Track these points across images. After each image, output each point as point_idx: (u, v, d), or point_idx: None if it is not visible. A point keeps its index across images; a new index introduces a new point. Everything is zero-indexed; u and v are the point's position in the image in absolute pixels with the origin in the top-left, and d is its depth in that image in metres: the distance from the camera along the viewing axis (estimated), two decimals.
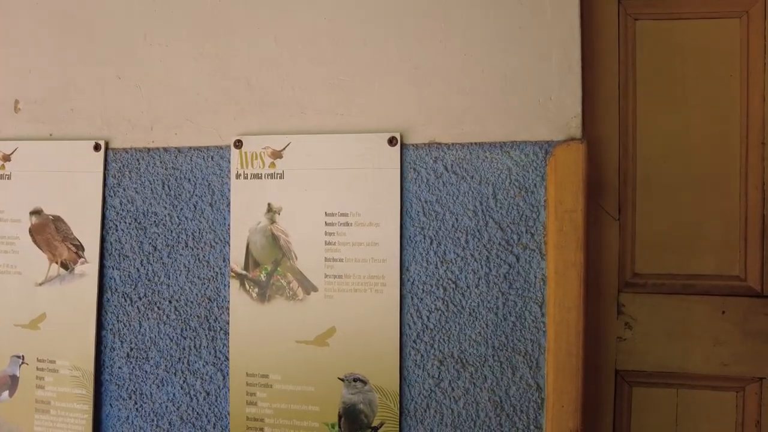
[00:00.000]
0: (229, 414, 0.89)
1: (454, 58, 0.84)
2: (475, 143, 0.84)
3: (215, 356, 0.90)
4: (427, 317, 0.84)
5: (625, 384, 0.98)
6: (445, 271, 0.84)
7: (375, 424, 0.85)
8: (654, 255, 0.98)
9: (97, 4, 0.95)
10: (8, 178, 0.98)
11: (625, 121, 0.99)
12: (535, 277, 0.82)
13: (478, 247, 0.83)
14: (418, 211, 0.85)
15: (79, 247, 0.94)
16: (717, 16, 0.95)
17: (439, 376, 0.84)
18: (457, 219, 0.84)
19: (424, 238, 0.85)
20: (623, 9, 0.98)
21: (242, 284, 0.88)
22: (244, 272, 0.88)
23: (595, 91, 0.97)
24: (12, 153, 0.98)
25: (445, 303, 0.84)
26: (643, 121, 0.98)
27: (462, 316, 0.84)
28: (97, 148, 0.94)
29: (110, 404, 0.94)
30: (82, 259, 0.94)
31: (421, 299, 0.85)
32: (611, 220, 0.98)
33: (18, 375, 0.96)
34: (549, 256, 0.82)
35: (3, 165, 0.98)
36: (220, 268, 0.90)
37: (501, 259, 0.83)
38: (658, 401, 0.97)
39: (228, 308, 0.89)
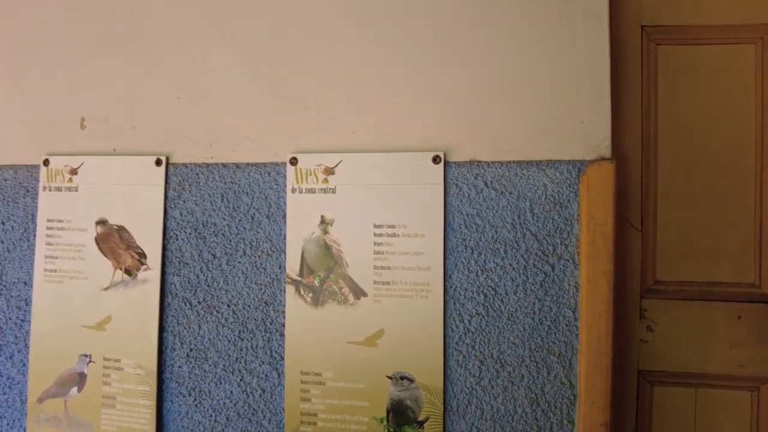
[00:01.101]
0: (283, 409, 0.96)
1: (494, 83, 0.92)
2: (513, 161, 0.91)
3: (271, 356, 0.98)
4: (469, 321, 0.92)
5: (646, 383, 1.06)
6: (485, 279, 0.91)
7: (421, 418, 0.92)
8: (674, 263, 1.05)
9: (159, 28, 1.03)
10: (75, 190, 1.06)
11: (647, 140, 1.06)
12: (569, 284, 0.90)
13: (516, 257, 0.91)
14: (460, 224, 0.92)
15: (142, 255, 1.02)
16: (734, 42, 1.02)
17: (479, 374, 0.91)
18: (496, 231, 0.91)
19: (466, 249, 0.92)
20: (646, 35, 1.06)
21: (297, 290, 0.96)
22: (299, 278, 0.96)
23: (620, 111, 1.05)
24: (79, 167, 1.06)
25: (486, 308, 0.91)
26: (663, 139, 1.06)
27: (501, 320, 0.91)
28: (158, 163, 1.02)
29: (171, 400, 1.01)
30: (145, 266, 1.02)
31: (463, 304, 0.92)
32: (634, 230, 1.05)
33: (86, 372, 1.03)
34: (581, 265, 0.89)
35: (70, 178, 1.06)
36: (276, 275, 0.98)
37: (537, 268, 0.90)
38: (678, 399, 1.04)
39: (283, 311, 0.97)
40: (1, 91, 1.10)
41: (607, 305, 0.89)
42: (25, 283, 1.08)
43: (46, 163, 1.07)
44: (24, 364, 1.07)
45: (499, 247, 0.91)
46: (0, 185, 1.10)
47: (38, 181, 1.08)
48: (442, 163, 0.92)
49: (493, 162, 0.92)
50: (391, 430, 0.93)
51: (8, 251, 1.09)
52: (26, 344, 1.07)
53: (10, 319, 1.09)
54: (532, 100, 0.91)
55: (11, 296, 1.09)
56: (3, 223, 1.10)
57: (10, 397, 1.08)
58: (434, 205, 0.92)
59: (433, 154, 0.92)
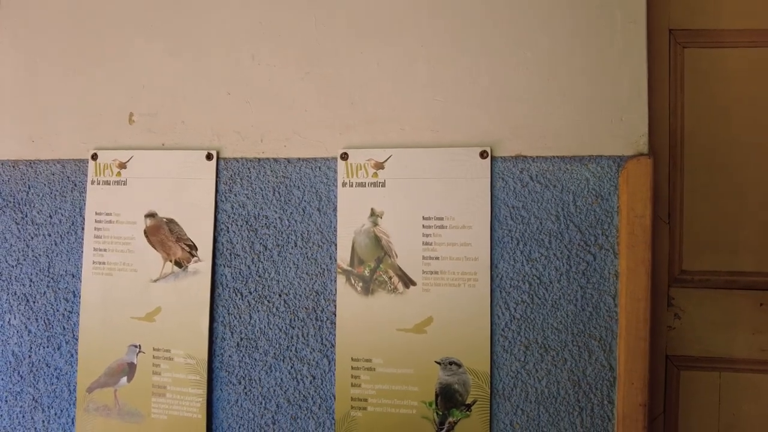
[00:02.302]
0: (334, 395, 1.00)
1: (538, 81, 0.97)
2: (557, 156, 0.96)
3: (321, 344, 1.01)
4: (514, 308, 0.96)
5: (673, 368, 1.12)
6: (530, 268, 0.96)
7: (468, 401, 0.96)
8: (700, 254, 1.11)
9: (210, 25, 1.06)
10: (124, 184, 1.08)
11: (675, 138, 1.12)
12: (609, 273, 0.95)
13: (559, 247, 0.95)
14: (506, 216, 0.97)
15: (192, 247, 1.04)
16: (758, 45, 1.09)
17: (524, 359, 0.96)
18: (541, 223, 0.96)
19: (512, 240, 0.97)
20: (674, 38, 1.12)
21: (348, 279, 0.99)
22: (349, 269, 0.99)
23: (649, 111, 1.10)
24: (127, 161, 1.08)
25: (530, 296, 0.96)
26: (690, 137, 1.12)
27: (545, 307, 0.96)
28: (209, 157, 1.05)
29: (221, 389, 1.04)
30: (195, 258, 1.04)
31: (509, 293, 0.96)
32: (662, 223, 1.11)
33: (135, 362, 1.05)
34: (621, 254, 0.94)
35: (119, 172, 1.08)
36: (327, 265, 1.01)
37: (580, 258, 0.95)
38: (704, 383, 1.10)
39: (334, 300, 1.00)
40: (49, 85, 1.12)
41: (646, 292, 0.94)
42: (73, 276, 1.10)
43: (94, 157, 1.09)
44: (72, 355, 1.09)
45: (544, 238, 0.96)
46: (47, 179, 1.12)
47: (86, 175, 1.10)
48: (489, 157, 0.97)
49: (537, 157, 0.97)
50: (440, 413, 0.97)
51: (55, 244, 1.11)
52: (74, 335, 1.09)
53: (58, 310, 1.10)
54: (574, 98, 0.96)
55: (59, 288, 1.10)
56: (50, 217, 1.11)
57: (58, 387, 1.10)
58: (481, 198, 0.97)
59: (480, 149, 0.97)
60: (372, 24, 1.01)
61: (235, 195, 1.05)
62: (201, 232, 1.05)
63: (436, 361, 0.97)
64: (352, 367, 0.99)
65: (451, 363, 0.97)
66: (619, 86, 0.95)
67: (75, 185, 1.11)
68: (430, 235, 0.98)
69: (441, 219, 0.97)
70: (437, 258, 0.97)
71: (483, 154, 0.97)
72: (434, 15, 1.00)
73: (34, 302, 1.11)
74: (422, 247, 0.98)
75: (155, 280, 1.06)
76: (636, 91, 0.95)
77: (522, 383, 0.96)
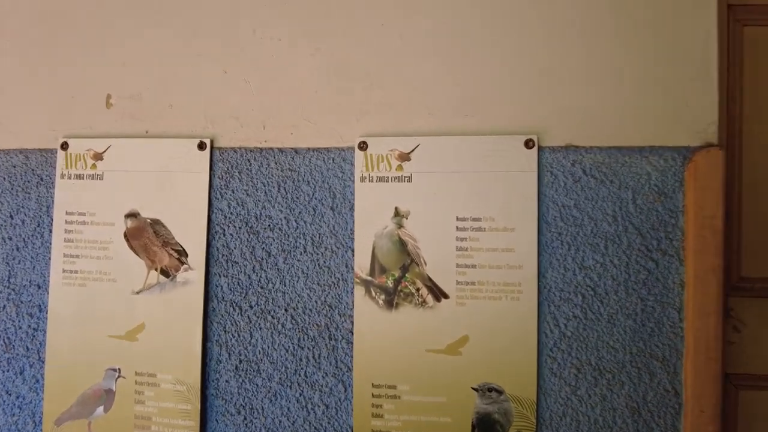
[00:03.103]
0: (351, 428, 0.85)
1: (592, 61, 0.83)
2: (614, 147, 0.82)
3: (336, 367, 0.86)
4: (565, 325, 0.83)
5: (732, 387, 0.99)
6: (583, 277, 0.83)
7: None
8: (761, 258, 0.99)
9: None
10: (100, 179, 0.91)
11: (732, 126, 0.99)
12: (673, 282, 0.82)
13: (617, 252, 0.82)
14: (555, 216, 0.83)
15: (182, 253, 0.89)
16: None
17: (576, 383, 0.82)
18: (596, 224, 0.83)
19: (562, 244, 0.83)
20: (732, 15, 0.99)
21: (368, 291, 0.85)
22: (369, 278, 0.85)
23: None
24: (104, 151, 0.91)
25: (583, 310, 0.83)
26: (748, 125, 1.00)
27: (600, 323, 0.82)
28: (201, 146, 0.89)
29: (216, 420, 0.88)
30: (185, 266, 0.88)
31: (558, 306, 0.83)
32: None
33: (114, 389, 0.89)
34: (687, 261, 0.81)
35: (94, 164, 0.91)
36: (342, 275, 0.86)
37: (640, 265, 0.82)
38: (765, 404, 0.98)
39: (351, 316, 0.86)
40: (8, 61, 0.95)
41: (716, 305, 0.81)
42: (39, 287, 0.93)
43: (64, 146, 0.93)
44: (38, 381, 0.93)
45: (599, 242, 0.83)
46: (7, 172, 0.95)
47: (54, 167, 0.93)
48: (535, 147, 0.83)
49: (591, 147, 0.83)
50: None
51: (17, 249, 0.94)
52: (40, 357, 0.93)
53: (20, 328, 0.94)
54: (632, 80, 0.82)
55: (21, 302, 0.94)
56: (11, 217, 0.94)
57: (21, 418, 0.93)
58: (527, 195, 0.83)
59: (525, 137, 0.83)
60: None
61: (233, 191, 0.89)
62: (192, 236, 0.89)
63: (473, 388, 0.83)
64: (373, 395, 0.85)
65: (490, 389, 0.83)
66: (685, 67, 0.82)
67: (41, 180, 0.94)
68: (466, 239, 0.83)
69: (478, 220, 0.83)
70: (474, 266, 0.83)
71: (528, 144, 0.83)
72: None
73: None
74: (456, 253, 0.83)
75: (138, 292, 0.89)
76: (705, 72, 0.82)
77: (573, 411, 0.83)
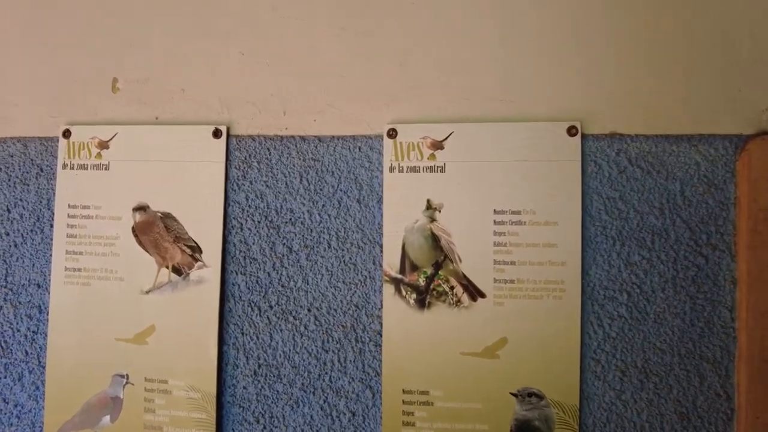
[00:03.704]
0: None
1: (637, 44, 0.77)
2: (661, 135, 0.77)
3: (363, 371, 0.80)
4: (609, 325, 0.77)
5: None
6: (629, 274, 0.77)
7: None
8: None
9: None
10: (105, 169, 0.85)
11: None
12: (725, 279, 0.77)
13: (664, 248, 0.77)
14: (599, 209, 0.78)
15: (195, 249, 0.82)
16: None
17: (621, 387, 0.77)
18: (642, 217, 0.77)
19: (606, 239, 0.78)
20: None
21: (397, 289, 0.79)
22: (399, 276, 0.79)
23: None
24: (110, 139, 0.84)
25: (629, 309, 0.77)
26: None
27: (646, 323, 0.77)
28: (216, 134, 0.82)
29: (233, 429, 0.82)
30: (199, 263, 0.82)
31: (602, 306, 0.78)
32: None
33: (121, 397, 0.83)
34: (740, 257, 0.76)
35: (99, 153, 0.84)
36: (370, 272, 0.80)
37: (689, 261, 0.77)
38: None
39: (379, 316, 0.80)
40: (4, 43, 0.88)
41: None
42: (39, 286, 0.86)
43: (66, 134, 0.86)
44: (38, 388, 0.86)
45: (646, 237, 0.77)
46: (5, 162, 0.87)
47: (56, 157, 0.86)
48: (578, 135, 0.77)
49: (637, 136, 0.78)
50: None
51: (15, 246, 0.87)
52: (40, 362, 0.86)
53: (19, 330, 0.87)
54: (681, 65, 0.77)
55: (19, 302, 0.87)
56: (8, 211, 0.87)
57: (19, 429, 0.86)
58: (570, 186, 0.77)
59: (567, 124, 0.77)
60: None
61: (251, 183, 0.83)
62: (207, 230, 0.82)
63: (511, 393, 0.77)
64: (404, 401, 0.79)
65: (530, 394, 0.78)
66: (736, 49, 0.77)
67: (41, 170, 0.87)
68: (505, 233, 0.78)
69: (518, 213, 0.78)
70: (513, 263, 0.78)
71: (571, 131, 0.77)
72: None
73: None
74: (493, 248, 0.78)
75: (147, 292, 0.83)
76: (757, 54, 0.77)
77: (617, 417, 0.78)
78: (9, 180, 0.87)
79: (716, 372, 0.77)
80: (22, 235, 0.87)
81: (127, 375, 0.83)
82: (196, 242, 0.82)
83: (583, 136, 0.77)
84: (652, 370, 0.77)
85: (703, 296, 0.77)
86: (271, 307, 0.82)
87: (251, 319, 0.82)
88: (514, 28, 0.79)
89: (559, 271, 0.77)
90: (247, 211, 0.82)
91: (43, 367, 0.85)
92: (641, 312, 0.77)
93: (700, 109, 0.77)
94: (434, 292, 0.78)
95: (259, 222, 0.82)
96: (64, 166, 0.85)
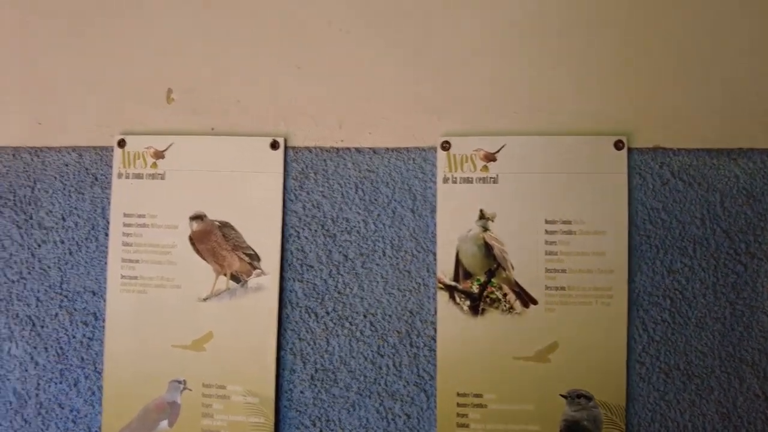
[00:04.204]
0: None
1: (680, 61, 0.81)
2: (702, 149, 0.81)
3: (418, 375, 0.83)
4: (653, 329, 0.81)
5: None
6: (671, 281, 0.81)
7: None
8: None
9: None
10: (161, 178, 0.86)
11: None
12: (763, 286, 0.81)
13: (705, 256, 0.81)
14: (644, 219, 0.81)
15: (254, 257, 0.84)
16: None
17: (664, 389, 0.81)
18: (683, 227, 0.81)
19: (650, 248, 0.81)
20: None
21: (451, 296, 0.82)
22: (453, 283, 0.82)
23: None
24: (166, 149, 0.86)
25: (672, 314, 0.81)
26: None
27: (688, 327, 0.81)
28: (274, 146, 0.84)
29: None
30: (258, 271, 0.84)
31: (647, 311, 0.81)
32: None
33: (179, 402, 0.84)
34: None
35: (155, 163, 0.86)
36: (424, 279, 0.83)
37: (729, 269, 0.81)
38: None
39: (433, 322, 0.83)
40: (59, 52, 0.89)
41: None
42: (94, 293, 0.88)
43: (121, 144, 0.87)
44: (93, 393, 0.87)
45: (687, 246, 0.81)
46: (59, 172, 0.89)
47: (111, 166, 0.87)
48: (625, 148, 0.81)
49: (679, 150, 0.82)
50: None
51: (70, 253, 0.88)
52: (96, 368, 0.87)
53: (74, 337, 0.88)
54: (721, 81, 0.81)
55: (75, 309, 0.88)
56: (63, 219, 0.88)
57: None
58: (617, 197, 0.81)
59: (615, 138, 0.81)
60: None
61: (308, 193, 0.85)
62: (265, 239, 0.84)
63: (561, 395, 0.81)
64: (458, 404, 0.82)
65: (579, 396, 0.81)
66: None
67: (96, 179, 0.88)
68: (556, 242, 0.81)
69: (569, 223, 0.81)
70: (563, 271, 0.81)
71: (618, 145, 0.81)
72: None
73: (42, 327, 0.88)
74: (545, 257, 0.81)
75: (205, 299, 0.85)
76: None
77: (661, 417, 0.82)
78: (64, 189, 0.88)
79: (755, 374, 0.81)
80: (77, 243, 0.88)
81: (184, 381, 0.84)
82: (254, 250, 0.84)
83: (629, 150, 0.81)
84: (694, 372, 0.81)
85: (742, 302, 0.81)
86: (327, 313, 0.84)
87: (308, 324, 0.84)
88: (562, 45, 0.82)
89: (606, 278, 0.80)
90: (304, 220, 0.84)
91: (99, 373, 0.87)
92: (683, 317, 0.81)
93: (740, 124, 0.82)
94: (487, 299, 0.82)
95: (315, 231, 0.84)
96: (120, 176, 0.86)
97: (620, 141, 0.81)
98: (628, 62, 0.82)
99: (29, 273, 0.88)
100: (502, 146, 0.82)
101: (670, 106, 0.82)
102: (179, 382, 0.85)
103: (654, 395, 0.81)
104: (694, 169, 0.81)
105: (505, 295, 0.82)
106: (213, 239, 0.85)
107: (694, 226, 0.81)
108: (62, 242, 0.88)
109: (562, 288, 0.81)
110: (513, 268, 0.81)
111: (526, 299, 0.81)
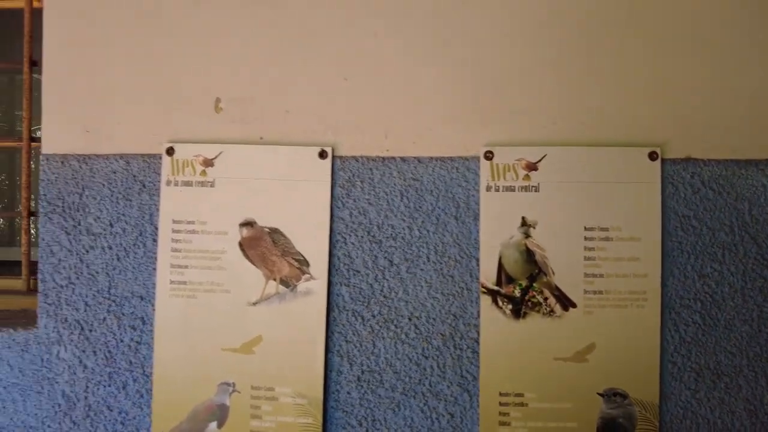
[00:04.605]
0: None
1: (711, 76, 0.86)
2: (730, 160, 0.86)
3: (461, 376, 0.86)
4: (685, 331, 0.86)
5: None
6: (702, 285, 0.86)
7: None
8: None
9: None
10: (211, 186, 0.88)
11: None
12: None
13: (734, 261, 0.85)
14: (676, 226, 0.86)
15: (303, 263, 0.87)
16: None
17: (695, 387, 0.85)
18: (713, 234, 0.86)
19: (682, 253, 0.86)
20: None
21: (494, 300, 0.85)
22: (496, 288, 0.85)
23: None
24: (215, 157, 0.88)
25: (702, 316, 0.86)
26: None
27: (718, 328, 0.86)
28: (322, 155, 0.87)
29: None
30: (307, 275, 0.86)
31: (679, 313, 0.86)
32: None
33: (228, 404, 0.86)
34: None
35: (204, 171, 0.88)
36: (467, 284, 0.86)
37: (756, 273, 0.85)
38: None
39: (476, 325, 0.86)
40: (108, 61, 0.90)
41: None
42: (142, 298, 0.89)
43: (170, 152, 0.89)
44: (141, 396, 0.89)
45: (717, 251, 0.86)
46: (107, 179, 0.90)
47: (159, 174, 0.89)
48: (659, 159, 0.85)
49: (709, 160, 0.86)
50: None
51: (118, 259, 0.90)
52: (144, 371, 0.89)
53: (122, 341, 0.89)
54: (749, 95, 0.86)
55: (122, 313, 0.90)
56: (111, 225, 0.90)
57: None
58: (651, 205, 0.85)
59: (649, 149, 0.85)
60: (514, 5, 0.87)
61: (355, 200, 0.88)
62: (313, 245, 0.87)
63: (598, 393, 0.85)
64: (500, 403, 0.85)
65: (615, 394, 0.85)
66: None
67: (143, 186, 0.90)
68: (594, 248, 0.85)
69: (606, 230, 0.85)
70: (601, 275, 0.85)
71: (652, 156, 0.85)
72: None
73: (90, 331, 0.90)
74: (584, 262, 0.85)
75: (254, 303, 0.87)
76: None
77: (692, 414, 0.86)
78: (112, 195, 0.90)
79: None
80: (125, 249, 0.89)
81: (233, 383, 0.87)
82: (303, 256, 0.86)
83: (662, 161, 0.85)
84: (724, 372, 0.86)
85: None
86: (373, 316, 0.87)
87: (355, 327, 0.87)
88: (598, 59, 0.86)
89: (641, 282, 0.85)
90: (351, 227, 0.87)
91: (147, 376, 0.88)
92: (713, 319, 0.86)
93: (765, 135, 0.86)
94: (529, 303, 0.85)
95: (362, 237, 0.87)
96: (168, 183, 0.88)
97: (654, 152, 0.85)
98: (661, 78, 0.86)
99: (77, 278, 0.90)
100: (543, 156, 0.85)
101: (701, 118, 0.86)
102: (228, 385, 0.87)
103: (686, 393, 0.86)
104: (723, 179, 0.86)
105: (545, 298, 0.85)
106: (263, 245, 0.87)
107: (724, 233, 0.86)
108: (110, 248, 0.90)
109: (600, 292, 0.85)
110: (553, 273, 0.85)
111: (566, 303, 0.85)
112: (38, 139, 1.03)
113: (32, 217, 1.02)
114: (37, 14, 0.95)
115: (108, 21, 0.90)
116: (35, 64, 1.05)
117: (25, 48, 1.04)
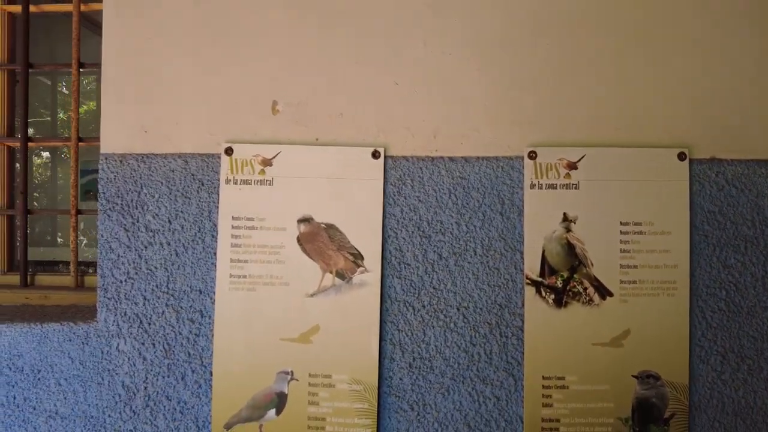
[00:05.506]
0: (521, 418, 0.91)
1: (734, 81, 0.93)
2: (752, 160, 0.93)
3: (507, 362, 0.92)
4: (711, 317, 0.93)
5: None
6: (726, 275, 0.93)
7: (666, 415, 0.92)
8: None
9: (374, 4, 0.93)
10: (269, 184, 0.92)
11: None
12: None
13: (755, 253, 0.93)
14: (703, 221, 0.93)
15: (358, 256, 0.91)
16: None
17: (721, 369, 0.93)
18: (736, 228, 0.93)
19: (708, 245, 0.93)
20: None
21: (538, 291, 0.91)
22: (540, 279, 0.91)
23: None
24: (273, 157, 0.92)
25: (727, 303, 0.93)
26: None
27: (741, 314, 0.93)
28: (375, 155, 0.92)
29: (389, 417, 0.92)
30: (361, 268, 0.91)
31: (705, 301, 0.93)
32: None
33: (286, 392, 0.91)
34: None
35: (263, 170, 0.92)
36: (511, 275, 0.92)
37: None
38: None
39: (520, 314, 0.92)
40: (167, 62, 0.94)
41: None
42: (200, 292, 0.93)
43: (228, 152, 0.93)
44: (200, 386, 0.92)
45: (740, 244, 0.93)
46: (165, 177, 0.93)
47: (217, 172, 0.93)
48: (687, 160, 0.92)
49: (732, 160, 0.93)
50: (636, 429, 0.91)
51: (176, 255, 0.93)
52: (202, 362, 0.92)
53: (181, 333, 0.93)
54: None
55: (181, 307, 0.93)
56: (169, 222, 0.93)
57: (183, 423, 0.92)
58: (680, 202, 0.92)
59: (678, 150, 0.92)
60: (558, 12, 0.93)
61: (405, 198, 0.93)
62: (367, 239, 0.91)
63: (633, 375, 0.91)
64: (543, 386, 0.91)
65: (648, 376, 0.92)
66: None
67: (202, 184, 0.94)
68: (629, 242, 0.92)
69: (639, 224, 0.92)
70: (635, 266, 0.92)
71: (681, 156, 0.92)
72: (623, 6, 0.93)
73: (149, 324, 0.93)
74: (620, 255, 0.91)
75: (312, 295, 0.91)
76: None
77: (718, 394, 0.93)
78: (170, 193, 0.93)
79: None
80: (183, 244, 0.93)
81: (291, 372, 0.91)
82: (358, 250, 0.91)
83: (690, 161, 0.92)
84: (747, 354, 0.93)
85: None
86: (423, 306, 0.92)
87: (406, 317, 0.92)
88: (631, 66, 0.93)
89: (672, 273, 0.91)
90: (402, 223, 0.92)
91: (206, 367, 0.92)
92: (737, 306, 0.93)
93: None
94: (570, 293, 0.91)
95: (412, 232, 0.92)
96: (227, 181, 0.92)
97: (682, 153, 0.92)
98: (688, 84, 0.93)
99: (136, 273, 0.93)
100: (583, 156, 0.92)
101: (725, 122, 0.93)
102: (287, 373, 0.91)
103: (712, 375, 0.93)
104: (745, 177, 0.93)
105: (585, 288, 0.91)
106: (320, 240, 0.91)
107: (746, 227, 0.93)
108: (168, 244, 0.93)
109: (634, 281, 0.91)
110: (592, 264, 0.91)
111: (604, 292, 0.91)
112: (84, 139, 1.06)
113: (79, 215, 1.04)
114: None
115: (166, 22, 0.94)
116: (83, 66, 1.08)
117: (74, 50, 1.07)
